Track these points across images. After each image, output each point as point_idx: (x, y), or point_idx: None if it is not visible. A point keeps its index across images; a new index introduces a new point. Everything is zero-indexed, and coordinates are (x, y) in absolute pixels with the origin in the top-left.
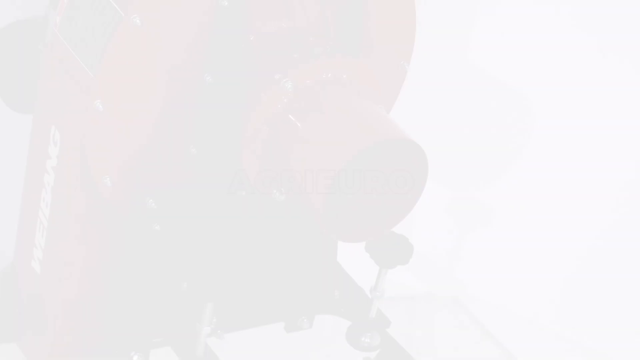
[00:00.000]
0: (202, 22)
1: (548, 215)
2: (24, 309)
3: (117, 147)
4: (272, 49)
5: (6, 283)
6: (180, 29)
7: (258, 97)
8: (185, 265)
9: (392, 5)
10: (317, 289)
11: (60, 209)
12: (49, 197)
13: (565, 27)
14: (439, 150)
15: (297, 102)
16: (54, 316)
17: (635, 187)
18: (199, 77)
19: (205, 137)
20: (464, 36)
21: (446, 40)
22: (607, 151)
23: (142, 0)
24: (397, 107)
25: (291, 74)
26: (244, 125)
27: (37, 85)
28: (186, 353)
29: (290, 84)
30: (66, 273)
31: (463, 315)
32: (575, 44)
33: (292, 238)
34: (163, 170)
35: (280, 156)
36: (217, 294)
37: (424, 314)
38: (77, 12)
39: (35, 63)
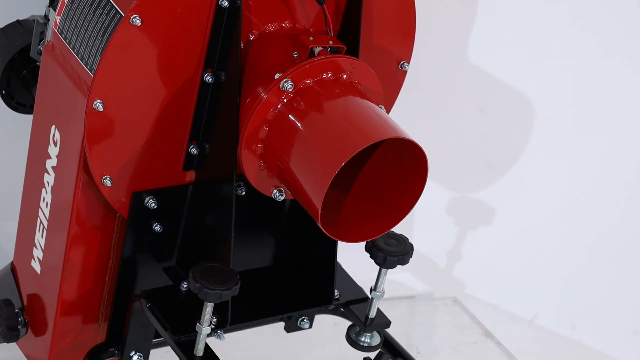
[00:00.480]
0: (202, 23)
1: (548, 215)
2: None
3: (117, 147)
4: (272, 48)
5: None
6: (180, 29)
7: (258, 97)
8: (185, 264)
9: (392, 5)
10: (317, 289)
11: (60, 209)
12: (49, 197)
13: (566, 26)
14: (439, 151)
15: (297, 102)
16: (54, 316)
17: (635, 187)
18: (199, 77)
19: (205, 137)
20: (464, 36)
21: (446, 40)
22: (608, 151)
23: (142, 0)
24: (397, 107)
25: (291, 74)
26: (244, 125)
27: (37, 85)
28: (186, 353)
29: (290, 84)
30: (66, 273)
31: (463, 315)
32: (575, 43)
33: (292, 238)
34: (163, 170)
35: (280, 156)
36: (217, 294)
37: (424, 314)
38: (77, 12)
39: (35, 63)
